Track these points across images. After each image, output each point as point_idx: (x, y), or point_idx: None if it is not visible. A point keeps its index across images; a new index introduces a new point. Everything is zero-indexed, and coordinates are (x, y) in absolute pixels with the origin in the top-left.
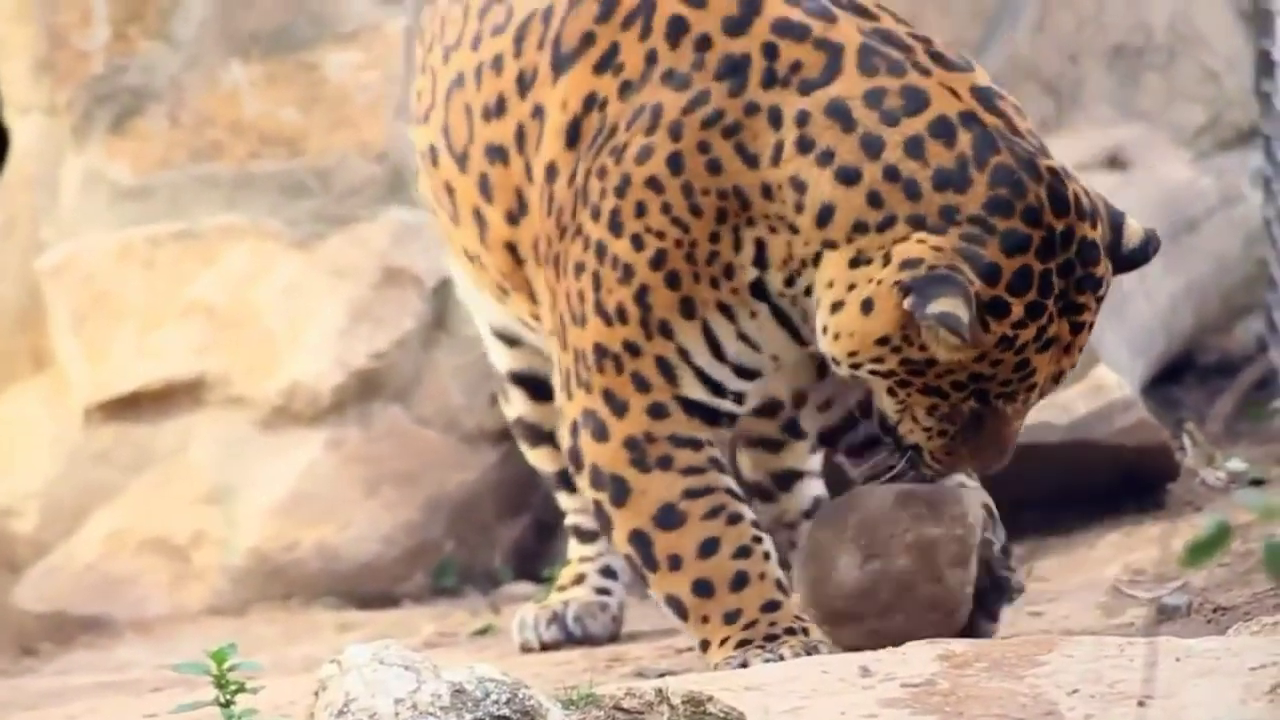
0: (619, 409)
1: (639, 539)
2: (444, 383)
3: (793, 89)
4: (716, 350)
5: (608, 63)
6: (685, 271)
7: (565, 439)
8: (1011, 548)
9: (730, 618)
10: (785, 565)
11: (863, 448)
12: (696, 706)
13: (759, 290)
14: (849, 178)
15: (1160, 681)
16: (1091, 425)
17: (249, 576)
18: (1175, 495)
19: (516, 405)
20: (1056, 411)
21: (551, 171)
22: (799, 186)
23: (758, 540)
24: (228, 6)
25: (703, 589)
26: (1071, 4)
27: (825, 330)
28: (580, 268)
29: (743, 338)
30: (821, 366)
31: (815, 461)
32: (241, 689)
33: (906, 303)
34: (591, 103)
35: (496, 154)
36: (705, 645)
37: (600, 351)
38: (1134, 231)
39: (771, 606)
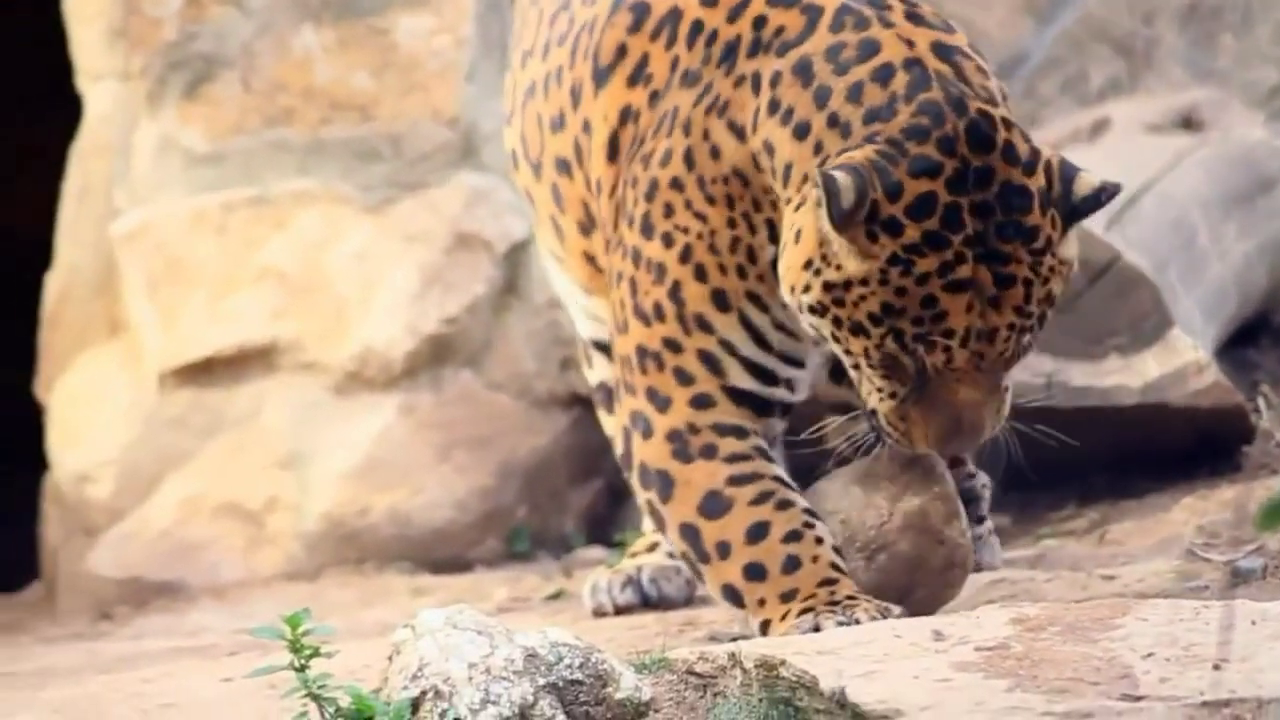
0: (662, 405)
1: (688, 532)
2: (515, 347)
3: (772, 53)
4: (759, 339)
5: (639, 75)
6: (711, 264)
7: (619, 447)
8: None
9: (787, 597)
10: None
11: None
12: (769, 670)
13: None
14: (801, 132)
15: (1236, 644)
16: (1166, 388)
17: (322, 541)
18: (1250, 458)
19: (599, 369)
20: (1131, 374)
21: (599, 187)
22: (770, 150)
23: (809, 525)
24: None
25: (755, 572)
26: None
27: (780, 280)
28: (620, 277)
29: (780, 328)
30: None
31: None
32: (316, 653)
33: (807, 184)
34: (626, 116)
35: (563, 167)
36: (766, 626)
37: (641, 353)
38: (1085, 182)
39: (828, 582)
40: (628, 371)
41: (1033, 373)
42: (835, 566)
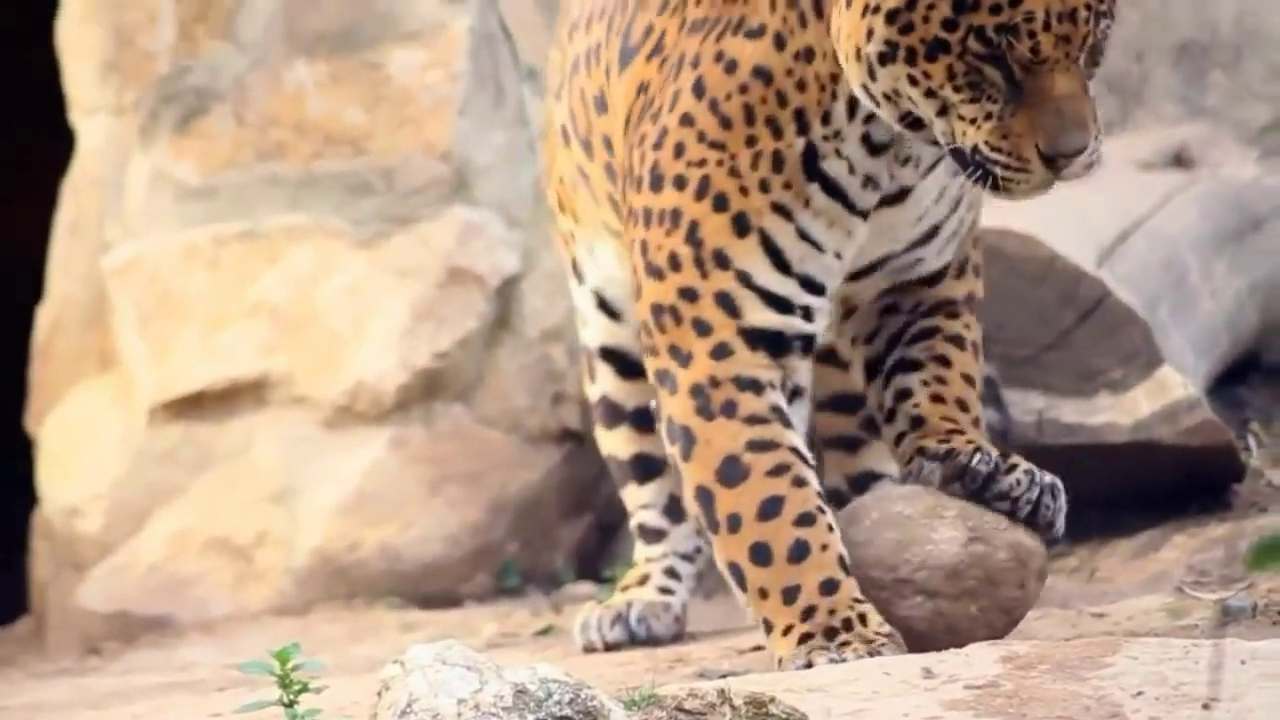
0: (684, 360)
1: (703, 496)
2: (507, 383)
3: None
4: (779, 260)
5: (656, 50)
6: (732, 188)
7: (655, 409)
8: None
9: (789, 596)
10: None
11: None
12: (759, 708)
13: (809, 163)
14: None
15: (1226, 684)
16: (1156, 425)
17: (312, 576)
18: (1241, 496)
19: (602, 382)
20: (1121, 412)
21: (614, 171)
22: (794, 2)
23: (821, 510)
24: (292, 7)
25: (760, 555)
26: (1137, 1)
27: (841, 56)
28: (633, 245)
29: (804, 237)
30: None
31: (892, 465)
32: (305, 689)
33: None
34: (641, 90)
35: (608, 146)
36: (768, 626)
37: (658, 310)
38: None
39: (830, 587)
40: (648, 335)
41: (1023, 410)
42: (841, 562)
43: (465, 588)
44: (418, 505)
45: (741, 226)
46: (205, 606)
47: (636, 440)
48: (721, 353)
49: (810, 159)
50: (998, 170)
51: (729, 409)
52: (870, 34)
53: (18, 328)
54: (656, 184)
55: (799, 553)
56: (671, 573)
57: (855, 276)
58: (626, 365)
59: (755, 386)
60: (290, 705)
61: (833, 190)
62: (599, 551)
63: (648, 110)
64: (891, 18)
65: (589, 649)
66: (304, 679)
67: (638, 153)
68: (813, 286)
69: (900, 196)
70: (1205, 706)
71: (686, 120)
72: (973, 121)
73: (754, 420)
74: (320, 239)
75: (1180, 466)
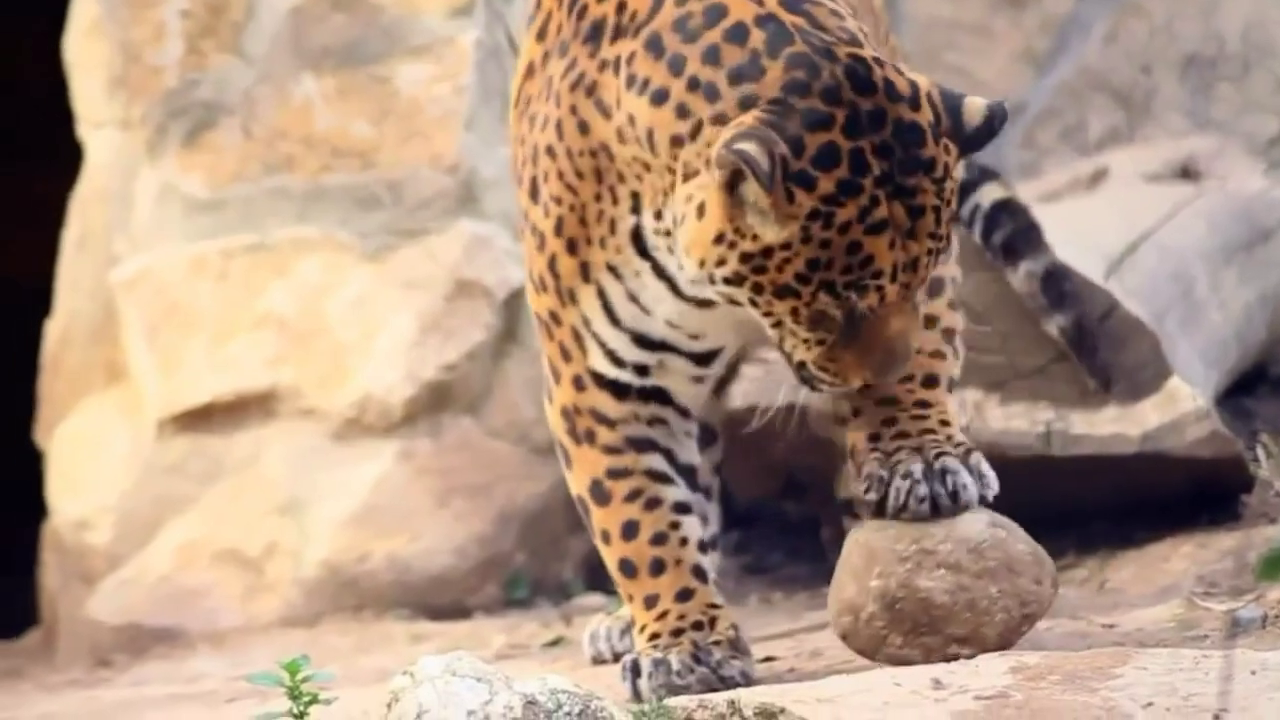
0: (556, 376)
1: (582, 504)
2: (514, 395)
3: (629, 36)
4: (610, 314)
5: (543, 32)
6: (580, 236)
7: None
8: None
9: (649, 602)
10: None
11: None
12: (768, 718)
13: (638, 241)
14: (659, 98)
15: (1236, 694)
16: (1164, 436)
17: (321, 588)
18: (1250, 507)
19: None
20: (1129, 423)
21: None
22: (633, 121)
23: (674, 526)
24: (300, 21)
25: (627, 569)
26: (1143, 14)
27: (683, 252)
28: (522, 232)
29: (632, 299)
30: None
31: None
32: (314, 700)
33: (714, 161)
34: (530, 70)
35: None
36: (633, 622)
37: (538, 319)
38: (974, 109)
39: (684, 595)
40: (537, 329)
41: (1031, 421)
42: (695, 571)
43: (474, 599)
44: (426, 517)
45: (585, 273)
46: (214, 618)
47: None
48: (579, 384)
49: (639, 239)
50: (816, 384)
51: (589, 437)
52: (722, 262)
53: (26, 340)
54: (534, 195)
55: (657, 568)
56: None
57: None
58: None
59: (607, 421)
60: (300, 716)
61: (661, 274)
62: None
63: (528, 108)
64: (745, 259)
65: (598, 660)
66: (313, 690)
67: (520, 150)
68: (646, 342)
69: None
70: (1215, 717)
71: (551, 153)
72: (804, 342)
73: (609, 450)
74: (328, 251)
75: (1189, 477)
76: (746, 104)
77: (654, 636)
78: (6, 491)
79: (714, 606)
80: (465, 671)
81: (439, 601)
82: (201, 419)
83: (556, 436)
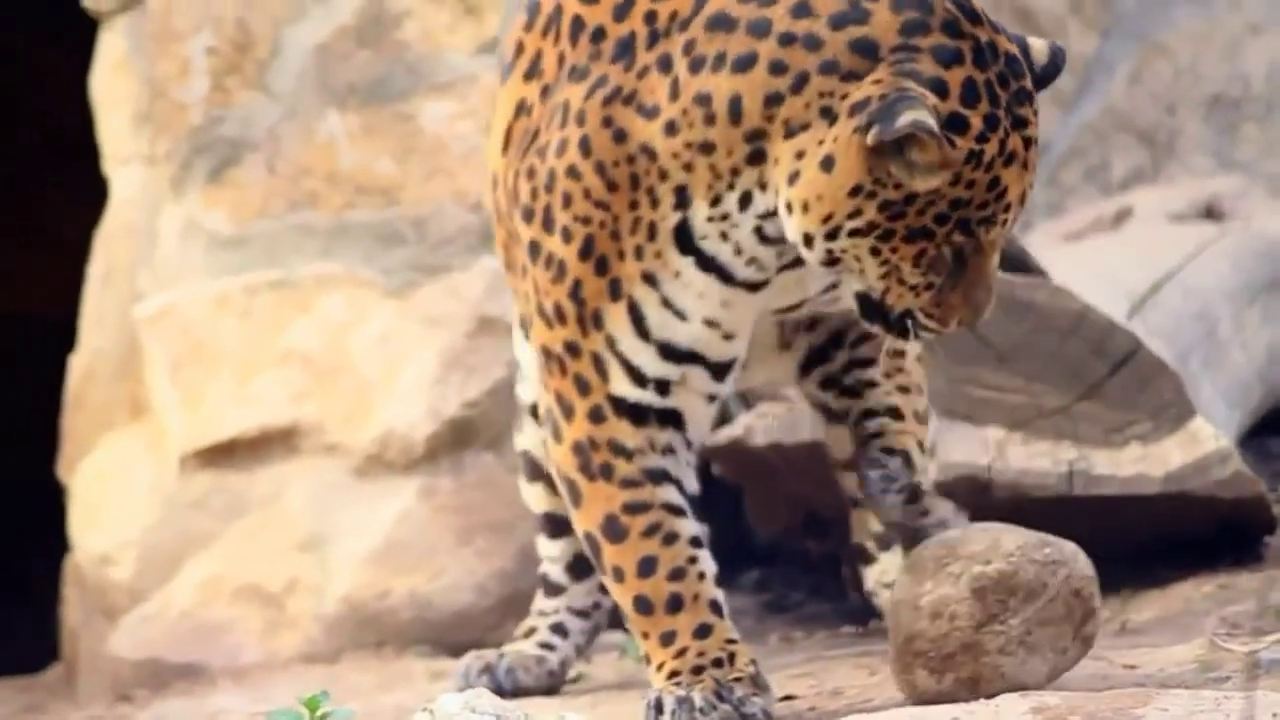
0: (567, 412)
1: (592, 543)
2: None
3: (674, 33)
4: (640, 326)
5: (533, 70)
6: (611, 252)
7: (545, 431)
8: (923, 492)
9: (666, 639)
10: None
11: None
12: None
13: (683, 238)
14: (743, 64)
15: None
16: (1188, 477)
17: (342, 624)
18: (1273, 548)
19: (526, 437)
20: (1153, 463)
21: (494, 181)
22: (704, 101)
23: (693, 561)
24: (325, 58)
25: (643, 606)
26: (1168, 54)
27: (790, 209)
28: (524, 271)
29: (666, 304)
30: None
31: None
32: None
33: (870, 137)
34: (520, 109)
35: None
36: (649, 660)
37: (547, 354)
38: (1039, 49)
39: (703, 632)
40: (541, 368)
41: (1054, 460)
42: (713, 606)
43: (494, 636)
44: (447, 554)
45: (615, 291)
46: (236, 654)
47: (549, 499)
48: (597, 416)
49: (684, 234)
50: (919, 331)
51: (606, 472)
52: (856, 213)
53: (50, 376)
54: (548, 226)
55: (674, 605)
56: (559, 628)
57: (781, 310)
58: None
59: (625, 452)
60: None
61: (709, 265)
62: None
63: (533, 142)
64: (884, 207)
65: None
66: None
67: (526, 185)
68: (672, 353)
69: (799, 261)
70: None
71: (573, 173)
72: (913, 288)
73: (627, 484)
74: (351, 288)
75: (1212, 518)
76: (859, 48)
77: (674, 674)
78: (29, 526)
79: (732, 642)
80: (485, 709)
81: (460, 638)
82: (224, 455)
83: (564, 474)
